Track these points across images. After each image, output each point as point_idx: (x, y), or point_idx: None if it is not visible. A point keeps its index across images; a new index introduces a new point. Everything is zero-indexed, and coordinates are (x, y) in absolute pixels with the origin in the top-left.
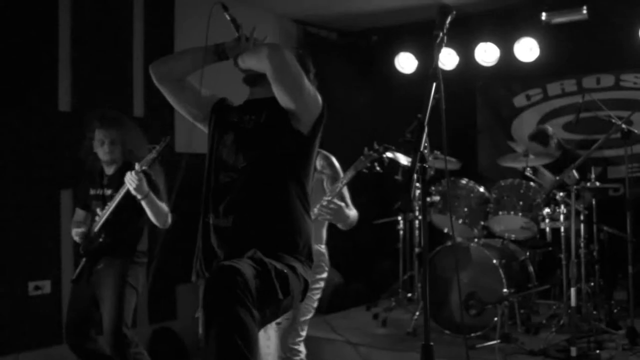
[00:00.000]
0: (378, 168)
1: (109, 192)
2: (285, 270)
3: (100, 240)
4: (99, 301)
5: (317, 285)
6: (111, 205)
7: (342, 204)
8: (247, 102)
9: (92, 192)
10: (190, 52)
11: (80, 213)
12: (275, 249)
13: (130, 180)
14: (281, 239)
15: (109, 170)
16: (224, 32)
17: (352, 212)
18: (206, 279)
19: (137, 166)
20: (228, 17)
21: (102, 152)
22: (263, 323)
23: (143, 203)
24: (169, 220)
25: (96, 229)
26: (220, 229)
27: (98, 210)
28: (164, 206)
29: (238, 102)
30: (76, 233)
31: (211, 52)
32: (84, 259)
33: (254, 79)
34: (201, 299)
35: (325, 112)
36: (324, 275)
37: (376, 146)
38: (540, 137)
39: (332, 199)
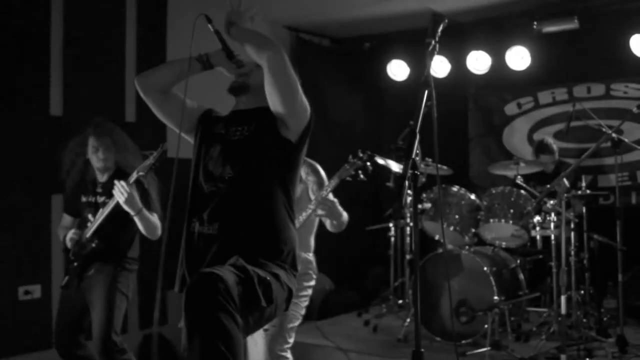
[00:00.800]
0: (362, 176)
1: (101, 199)
2: (269, 278)
3: (93, 245)
4: (89, 307)
5: (305, 293)
6: (104, 212)
7: (336, 200)
8: (234, 113)
9: (84, 199)
10: (174, 63)
11: (67, 219)
12: (259, 257)
13: (120, 192)
14: (265, 246)
15: (102, 178)
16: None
17: (344, 213)
18: (187, 287)
19: (133, 175)
20: (212, 29)
21: (95, 159)
22: (247, 331)
23: (136, 218)
24: (159, 232)
25: (88, 234)
26: (204, 236)
27: (90, 217)
28: (155, 220)
29: (224, 113)
30: (70, 239)
31: (195, 62)
32: (74, 264)
33: (239, 89)
34: (182, 307)
35: (313, 121)
36: (312, 282)
37: (360, 154)
38: (545, 148)
39: (316, 207)
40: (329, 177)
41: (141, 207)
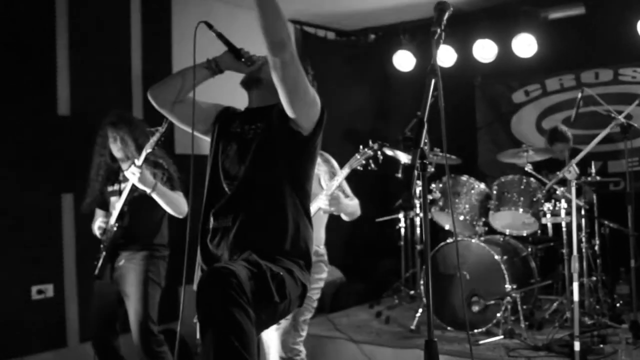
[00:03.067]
0: (373, 165)
1: (123, 185)
2: (282, 273)
3: (116, 229)
4: (124, 298)
5: (317, 285)
6: (123, 195)
7: (340, 194)
8: (248, 111)
9: (109, 188)
10: (184, 73)
11: (99, 213)
12: (273, 252)
13: (132, 173)
14: (279, 242)
15: (125, 166)
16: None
17: (353, 202)
18: (199, 282)
19: (142, 153)
20: (214, 34)
21: (115, 148)
22: (260, 327)
23: (154, 195)
24: (186, 208)
25: (112, 221)
26: (219, 230)
27: (117, 205)
28: (176, 195)
29: (241, 109)
30: (98, 227)
31: (203, 70)
32: (103, 254)
33: (251, 82)
34: (197, 303)
35: (325, 115)
36: (324, 275)
37: (371, 144)
38: (559, 136)
39: (329, 196)
40: (340, 167)
41: (154, 182)
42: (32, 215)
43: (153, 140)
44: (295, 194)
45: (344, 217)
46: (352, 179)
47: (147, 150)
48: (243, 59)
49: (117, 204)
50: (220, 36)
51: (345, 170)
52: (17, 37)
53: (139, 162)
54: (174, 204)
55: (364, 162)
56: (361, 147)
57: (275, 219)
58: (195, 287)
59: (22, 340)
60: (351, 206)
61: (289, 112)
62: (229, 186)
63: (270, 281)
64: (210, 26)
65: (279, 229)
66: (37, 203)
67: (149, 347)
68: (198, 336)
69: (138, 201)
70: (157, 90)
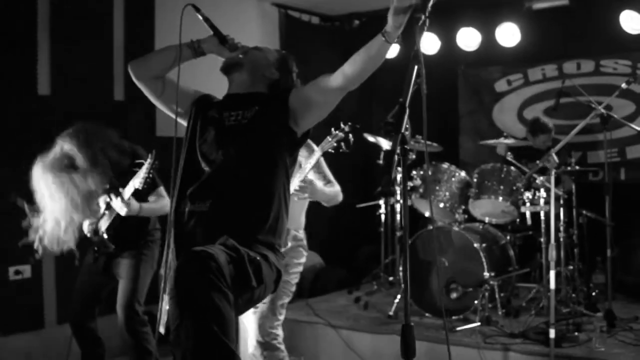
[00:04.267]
0: (344, 147)
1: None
2: (258, 258)
3: (106, 237)
4: (118, 279)
5: (296, 270)
6: (109, 219)
7: (315, 180)
8: (228, 97)
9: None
10: (166, 50)
11: None
12: (249, 238)
13: (120, 208)
14: (258, 228)
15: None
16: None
17: (333, 189)
18: (177, 265)
19: (129, 187)
20: (201, 18)
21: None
22: (236, 311)
23: (140, 214)
24: (168, 208)
25: (103, 228)
26: (195, 214)
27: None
28: (162, 204)
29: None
30: (88, 230)
31: (187, 48)
32: (98, 251)
33: (232, 66)
34: (172, 285)
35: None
36: (302, 260)
37: (342, 125)
38: (541, 127)
39: (303, 179)
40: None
41: (139, 206)
42: (9, 196)
43: (140, 176)
44: (278, 182)
45: (324, 204)
46: (333, 164)
47: (135, 186)
48: (226, 45)
49: (104, 220)
50: (206, 20)
51: (317, 154)
52: None
53: (125, 196)
54: (159, 211)
55: (335, 144)
56: (332, 129)
57: (258, 207)
58: (162, 270)
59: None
60: (328, 193)
61: (307, 116)
62: (207, 168)
63: (248, 266)
64: (197, 9)
65: (260, 218)
66: (15, 183)
67: (132, 327)
68: (164, 320)
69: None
70: (138, 64)
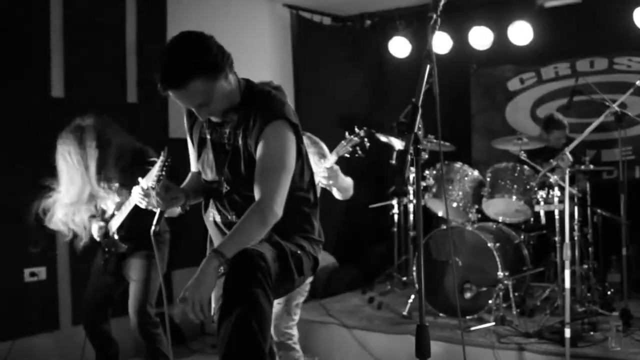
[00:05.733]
0: (360, 152)
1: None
2: (299, 252)
3: (117, 237)
4: (129, 282)
5: None
6: (124, 212)
7: (338, 168)
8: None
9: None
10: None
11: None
12: (285, 231)
13: (139, 200)
14: (289, 221)
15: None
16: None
17: (348, 179)
18: (231, 261)
19: (142, 183)
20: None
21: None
22: (277, 296)
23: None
24: (179, 210)
25: (113, 228)
26: (228, 225)
27: (109, 207)
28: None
29: None
30: (97, 233)
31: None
32: (109, 254)
33: (209, 117)
34: (224, 279)
35: (299, 129)
36: None
37: (357, 130)
38: (556, 124)
39: (329, 169)
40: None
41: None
42: (24, 198)
43: (152, 174)
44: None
45: (337, 195)
46: (345, 165)
47: (149, 185)
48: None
49: (116, 215)
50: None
51: (332, 157)
52: (10, 19)
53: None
54: (171, 212)
55: (350, 149)
56: (347, 133)
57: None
58: None
59: (15, 323)
60: (347, 181)
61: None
62: (220, 187)
63: (291, 261)
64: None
65: (288, 214)
66: (30, 186)
67: (145, 329)
68: (213, 312)
69: (136, 210)
70: None
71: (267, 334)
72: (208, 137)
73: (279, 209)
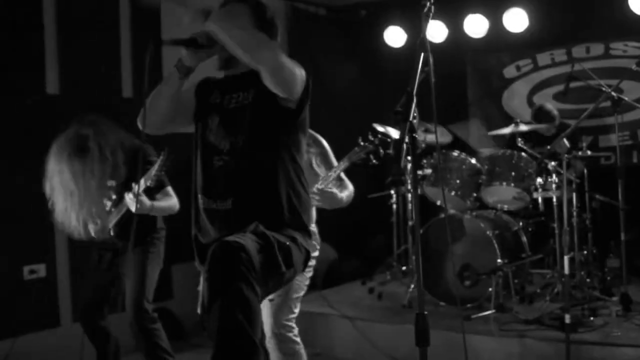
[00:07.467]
0: (374, 160)
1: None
2: (288, 243)
3: (113, 234)
4: (124, 278)
5: (309, 263)
6: (118, 214)
7: (335, 191)
8: (227, 78)
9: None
10: (160, 90)
11: None
12: (276, 222)
13: (132, 204)
14: (281, 214)
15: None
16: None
17: (346, 192)
18: (210, 254)
19: (141, 184)
20: (168, 45)
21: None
22: (267, 293)
23: (151, 214)
24: (178, 206)
25: (109, 225)
26: (219, 213)
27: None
28: (169, 204)
29: (219, 76)
30: (95, 231)
31: (176, 79)
32: (105, 250)
33: (228, 63)
34: (205, 272)
35: (310, 83)
36: (316, 253)
37: (371, 137)
38: (544, 115)
39: (325, 186)
40: (338, 158)
41: (150, 205)
42: (22, 196)
43: (151, 173)
44: (287, 163)
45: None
46: (343, 155)
47: (147, 183)
48: (203, 45)
49: (115, 211)
50: (174, 42)
51: (344, 164)
52: (3, 15)
53: (137, 191)
54: (168, 210)
55: (364, 156)
56: (360, 140)
57: (272, 192)
58: (197, 264)
59: (14, 320)
60: (344, 199)
61: (282, 94)
62: (219, 162)
63: (277, 253)
64: (161, 43)
65: (278, 202)
66: (27, 183)
67: (142, 324)
68: (202, 301)
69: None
70: (147, 121)
71: (255, 325)
72: (217, 101)
73: (285, 61)
